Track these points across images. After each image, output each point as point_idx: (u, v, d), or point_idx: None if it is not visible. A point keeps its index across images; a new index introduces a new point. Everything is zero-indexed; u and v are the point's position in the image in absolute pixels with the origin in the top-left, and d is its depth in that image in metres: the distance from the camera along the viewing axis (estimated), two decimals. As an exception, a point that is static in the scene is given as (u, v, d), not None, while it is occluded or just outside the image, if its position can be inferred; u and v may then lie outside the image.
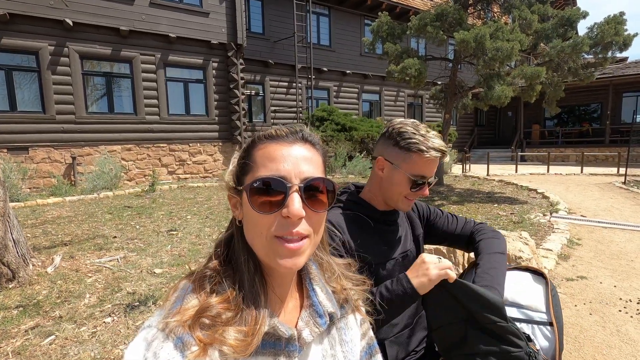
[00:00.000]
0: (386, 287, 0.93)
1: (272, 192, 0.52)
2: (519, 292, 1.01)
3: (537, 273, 1.07)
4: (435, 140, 1.02)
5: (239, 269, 0.56)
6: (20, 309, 2.58)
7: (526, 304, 0.98)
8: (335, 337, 0.66)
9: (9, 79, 7.60)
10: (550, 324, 0.92)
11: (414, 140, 1.00)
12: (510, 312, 0.97)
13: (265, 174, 0.53)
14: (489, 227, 1.20)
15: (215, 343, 0.48)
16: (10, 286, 2.89)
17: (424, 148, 1.00)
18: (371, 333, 0.78)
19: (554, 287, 1.03)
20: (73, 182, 8.14)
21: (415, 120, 1.06)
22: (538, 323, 0.94)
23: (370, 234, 1.07)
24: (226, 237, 0.62)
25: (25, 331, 2.29)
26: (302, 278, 0.67)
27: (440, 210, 1.28)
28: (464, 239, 1.21)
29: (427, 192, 1.05)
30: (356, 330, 0.72)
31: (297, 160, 0.55)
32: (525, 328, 0.93)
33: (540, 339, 0.92)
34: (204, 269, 0.57)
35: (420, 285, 0.87)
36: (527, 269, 1.09)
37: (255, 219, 0.54)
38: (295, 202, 0.52)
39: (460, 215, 1.30)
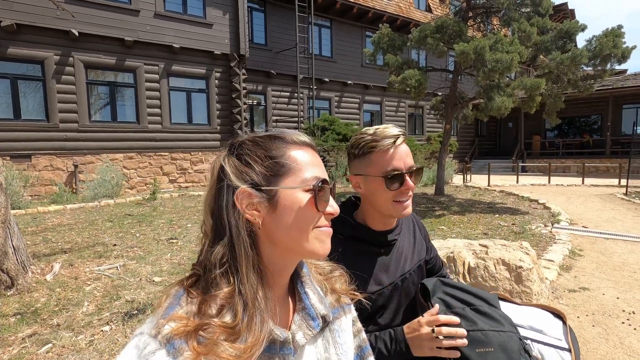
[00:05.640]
0: (386, 346, 0.92)
1: (322, 191, 0.59)
2: (539, 323, 1.05)
3: (556, 314, 1.10)
4: (384, 131, 0.97)
5: (243, 288, 0.53)
6: (18, 316, 2.56)
7: (546, 331, 1.02)
8: (329, 339, 0.66)
9: (14, 87, 7.69)
10: (569, 350, 0.96)
11: (364, 142, 0.98)
12: (531, 335, 1.01)
13: (311, 175, 0.59)
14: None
15: (209, 354, 0.48)
16: (8, 293, 2.88)
17: (376, 144, 0.97)
18: (363, 335, 0.78)
19: (572, 329, 1.06)
20: (74, 190, 8.16)
21: (366, 128, 1.03)
22: (557, 347, 0.97)
23: (367, 260, 1.03)
24: (225, 252, 0.55)
25: (23, 339, 2.27)
26: (294, 281, 0.67)
27: (434, 247, 1.25)
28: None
29: (411, 184, 0.97)
30: (349, 333, 0.72)
31: (322, 165, 0.62)
32: (543, 349, 0.98)
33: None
34: (203, 284, 0.54)
35: (415, 352, 0.90)
36: (545, 308, 1.13)
37: (307, 216, 0.58)
38: (334, 201, 0.61)
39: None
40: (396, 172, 0.96)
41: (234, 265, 0.54)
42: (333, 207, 0.61)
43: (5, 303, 2.76)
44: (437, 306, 0.91)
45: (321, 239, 0.60)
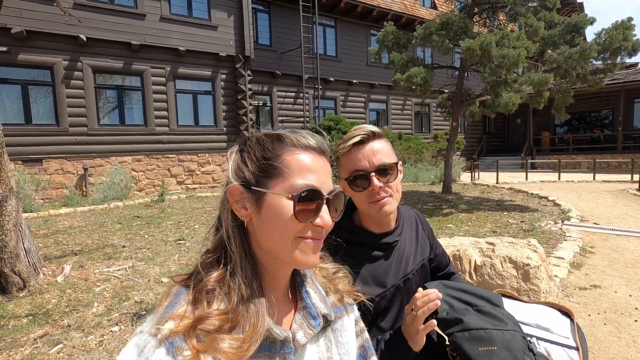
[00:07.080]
0: (387, 345, 0.91)
1: (311, 201, 0.55)
2: (546, 321, 1.04)
3: (563, 312, 1.09)
4: (351, 132, 0.96)
5: (236, 276, 0.54)
6: (30, 317, 2.61)
7: (553, 329, 1.01)
8: (331, 338, 0.66)
9: (24, 93, 7.83)
10: (577, 349, 0.95)
11: (335, 146, 0.99)
12: (538, 333, 1.00)
13: (302, 182, 0.55)
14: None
15: (209, 351, 0.48)
16: (21, 295, 2.94)
17: (340, 147, 0.97)
18: (366, 335, 0.77)
19: (580, 327, 1.04)
20: (84, 193, 8.29)
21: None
22: (564, 345, 0.96)
23: (368, 264, 1.01)
24: (218, 244, 0.58)
25: (34, 340, 2.32)
26: (295, 281, 0.67)
27: (439, 244, 1.22)
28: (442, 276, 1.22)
29: (376, 184, 0.92)
30: (352, 332, 0.72)
31: (325, 172, 0.58)
32: (550, 348, 0.96)
33: (565, 359, 0.95)
34: (198, 275, 0.55)
35: (412, 344, 0.85)
36: (552, 306, 1.11)
37: (288, 224, 0.55)
38: (326, 213, 0.57)
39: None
40: (358, 174, 0.94)
41: (228, 254, 0.56)
42: (323, 218, 0.56)
43: (18, 304, 2.81)
44: (420, 289, 0.86)
45: (304, 250, 0.57)
